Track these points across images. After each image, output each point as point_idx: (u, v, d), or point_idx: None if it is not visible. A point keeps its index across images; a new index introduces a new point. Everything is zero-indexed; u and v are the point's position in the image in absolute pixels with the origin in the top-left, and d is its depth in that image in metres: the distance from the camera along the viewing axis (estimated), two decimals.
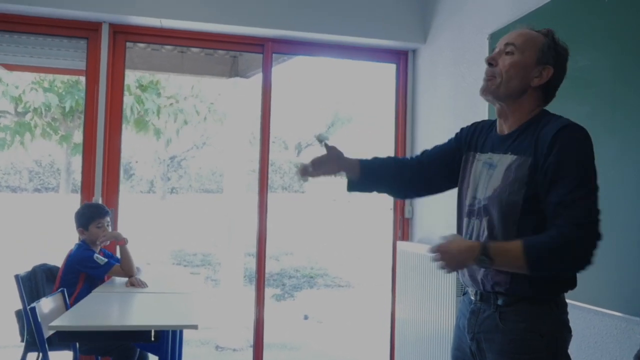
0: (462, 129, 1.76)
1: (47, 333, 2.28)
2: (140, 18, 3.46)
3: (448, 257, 1.46)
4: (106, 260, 2.95)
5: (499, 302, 1.49)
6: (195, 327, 2.07)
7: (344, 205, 15.05)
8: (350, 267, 9.70)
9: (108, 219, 3.11)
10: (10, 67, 4.69)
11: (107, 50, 3.49)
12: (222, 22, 3.55)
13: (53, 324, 2.00)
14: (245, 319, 4.74)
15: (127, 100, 6.95)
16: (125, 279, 2.93)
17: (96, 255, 2.95)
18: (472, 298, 1.59)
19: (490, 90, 1.54)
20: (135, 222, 10.32)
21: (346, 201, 15.46)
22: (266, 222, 3.75)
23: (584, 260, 1.36)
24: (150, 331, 2.09)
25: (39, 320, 2.13)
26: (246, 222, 5.32)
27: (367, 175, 1.72)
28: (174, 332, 2.55)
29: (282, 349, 5.39)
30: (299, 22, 3.66)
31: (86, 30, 3.50)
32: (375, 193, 1.82)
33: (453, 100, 3.48)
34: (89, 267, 2.92)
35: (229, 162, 6.02)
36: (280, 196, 15.67)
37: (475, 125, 1.73)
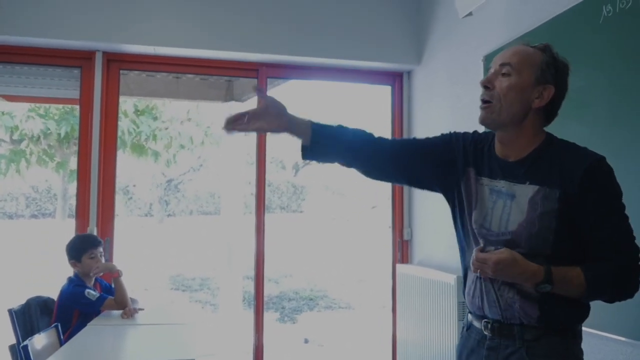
0: (452, 135, 1.62)
1: None
2: (134, 46, 3.45)
3: (502, 270, 1.33)
4: (97, 295, 2.88)
5: (527, 336, 1.37)
6: None
7: (343, 225, 15.00)
8: (350, 288, 9.61)
9: (101, 249, 3.05)
10: (8, 98, 4.69)
11: (100, 79, 3.48)
12: (216, 48, 3.55)
13: None
14: (245, 344, 4.66)
15: (124, 124, 6.95)
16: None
17: (87, 290, 2.87)
18: (487, 333, 1.44)
19: (491, 118, 1.42)
20: (134, 246, 10.25)
21: (345, 220, 15.42)
22: (264, 244, 3.71)
23: (636, 288, 1.37)
24: None
25: (32, 358, 2.08)
26: (244, 244, 5.27)
27: (322, 143, 1.51)
28: None
29: None
30: (293, 47, 3.66)
31: (80, 60, 3.50)
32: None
33: (449, 122, 3.47)
34: (81, 304, 2.85)
35: (226, 185, 6.00)
36: (278, 216, 15.60)
37: (471, 137, 1.58)
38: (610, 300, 1.40)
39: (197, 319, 2.89)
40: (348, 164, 1.59)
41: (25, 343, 2.12)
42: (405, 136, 3.92)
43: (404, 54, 3.86)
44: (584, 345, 1.30)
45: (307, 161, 1.60)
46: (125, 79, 5.22)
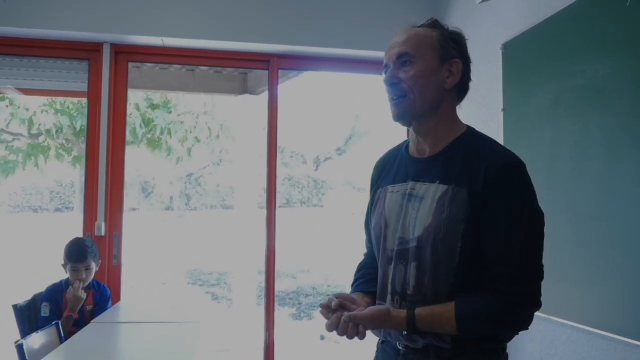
0: (371, 182, 1.49)
1: None
2: (142, 37, 3.38)
3: (372, 325, 1.24)
4: (48, 315, 2.78)
5: (443, 355, 1.21)
6: None
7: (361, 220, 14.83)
8: None
9: (89, 263, 2.90)
10: (22, 91, 4.66)
11: (109, 71, 3.42)
12: (226, 39, 3.46)
13: None
14: (258, 340, 4.61)
15: (137, 119, 6.91)
16: (133, 308, 2.82)
17: (45, 304, 2.82)
18: (401, 348, 1.30)
19: (406, 112, 1.29)
20: (153, 241, 10.28)
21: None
22: (275, 239, 3.62)
23: (521, 326, 1.19)
24: None
25: (27, 358, 2.02)
26: (258, 239, 5.21)
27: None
28: None
29: None
30: (305, 37, 3.55)
31: (87, 52, 3.44)
32: None
33: (466, 113, 3.32)
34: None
35: (241, 179, 5.94)
36: (299, 211, 15.54)
37: (380, 163, 1.48)
38: (497, 334, 1.23)
39: (205, 317, 2.82)
40: None
41: (20, 342, 2.06)
42: None
43: None
44: (585, 345, 1.14)
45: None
46: (138, 72, 5.19)
